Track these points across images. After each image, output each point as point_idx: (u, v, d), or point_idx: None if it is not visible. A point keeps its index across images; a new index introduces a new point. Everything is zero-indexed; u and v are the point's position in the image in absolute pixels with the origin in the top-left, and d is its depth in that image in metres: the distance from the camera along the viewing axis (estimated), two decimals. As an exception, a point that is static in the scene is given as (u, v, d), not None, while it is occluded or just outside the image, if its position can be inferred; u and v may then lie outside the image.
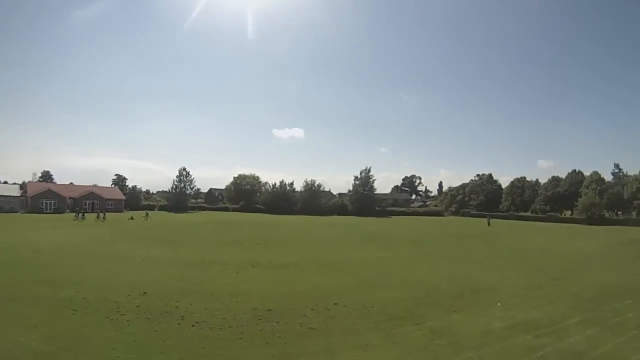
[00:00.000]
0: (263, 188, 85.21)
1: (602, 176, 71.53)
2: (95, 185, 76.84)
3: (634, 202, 62.64)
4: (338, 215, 77.61)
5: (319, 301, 18.55)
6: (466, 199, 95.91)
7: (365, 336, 14.64)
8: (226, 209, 77.94)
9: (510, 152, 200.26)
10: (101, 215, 50.33)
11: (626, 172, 70.88)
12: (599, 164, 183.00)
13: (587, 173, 75.68)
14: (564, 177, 79.01)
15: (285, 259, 28.38)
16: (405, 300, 19.98)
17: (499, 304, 20.15)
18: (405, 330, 15.76)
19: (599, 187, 67.61)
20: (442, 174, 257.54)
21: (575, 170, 79.58)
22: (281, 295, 19.47)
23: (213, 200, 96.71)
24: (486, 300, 20.85)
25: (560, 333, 16.17)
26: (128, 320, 14.17)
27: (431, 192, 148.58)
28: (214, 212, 74.44)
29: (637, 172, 67.01)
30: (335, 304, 18.24)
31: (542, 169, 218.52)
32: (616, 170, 73.63)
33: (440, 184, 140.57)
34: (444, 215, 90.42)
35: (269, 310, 16.67)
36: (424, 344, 14.44)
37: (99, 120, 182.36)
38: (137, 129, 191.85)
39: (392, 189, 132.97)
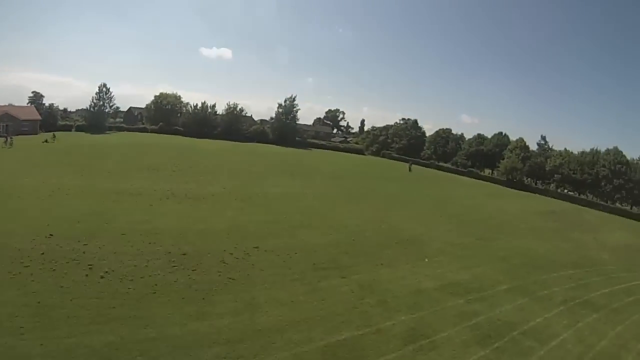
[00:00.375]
0: (184, 109, 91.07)
1: (527, 144, 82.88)
2: (11, 104, 77.04)
3: (555, 175, 75.06)
4: (258, 142, 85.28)
5: (238, 243, 19.13)
6: (389, 140, 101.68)
7: (290, 290, 15.34)
8: (144, 130, 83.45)
9: (437, 101, 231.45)
10: (9, 140, 50.18)
11: (551, 146, 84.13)
12: (520, 133, 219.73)
13: (512, 138, 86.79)
14: (489, 136, 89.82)
15: (203, 190, 29.58)
16: (330, 246, 20.94)
17: (426, 259, 21.99)
18: (332, 284, 16.43)
19: (522, 154, 78.51)
20: (365, 111, 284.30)
21: (501, 133, 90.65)
22: (197, 234, 19.77)
23: (132, 120, 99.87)
24: (413, 254, 22.52)
25: (491, 300, 18.17)
26: (32, 274, 13.83)
27: (352, 128, 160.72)
28: (132, 133, 79.88)
29: (562, 149, 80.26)
30: (256, 247, 18.89)
31: (465, 124, 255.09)
32: (542, 142, 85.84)
33: (363, 122, 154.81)
34: (364, 154, 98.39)
35: (184, 254, 16.96)
36: (353, 303, 15.13)
37: (11, 33, 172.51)
38: (54, 42, 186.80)
39: (315, 120, 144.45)
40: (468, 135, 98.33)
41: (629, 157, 71.77)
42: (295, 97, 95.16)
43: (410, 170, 70.22)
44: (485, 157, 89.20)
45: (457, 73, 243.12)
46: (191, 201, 26.27)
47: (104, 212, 21.52)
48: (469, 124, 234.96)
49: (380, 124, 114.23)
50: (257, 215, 25.02)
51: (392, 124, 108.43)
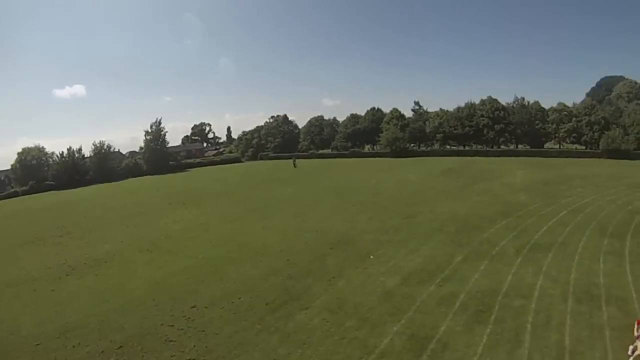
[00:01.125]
0: (50, 160, 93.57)
1: (402, 113, 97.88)
2: None
3: (436, 135, 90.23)
4: (133, 177, 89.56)
5: (170, 308, 17.94)
6: (263, 142, 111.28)
7: (262, 347, 14.33)
8: (16, 194, 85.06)
9: (296, 91, 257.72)
10: None
11: (426, 109, 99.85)
12: (388, 104, 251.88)
13: (385, 111, 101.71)
14: (348, 115, 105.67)
15: (100, 250, 29.10)
16: (270, 276, 20.49)
17: (371, 256, 22.68)
18: (300, 321, 15.76)
19: (400, 123, 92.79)
20: (227, 118, 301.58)
21: (374, 108, 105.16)
22: (120, 313, 18.09)
23: (0, 186, 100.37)
24: (355, 255, 23.04)
25: (458, 276, 19.53)
26: None
27: (220, 138, 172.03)
28: (2, 201, 78.80)
29: (437, 109, 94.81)
30: (194, 307, 17.95)
31: (327, 107, 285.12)
32: (416, 107, 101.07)
33: (229, 129, 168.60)
34: (242, 162, 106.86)
35: (120, 347, 15.25)
36: (336, 334, 14.67)
37: None
38: None
39: (183, 139, 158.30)
40: (341, 118, 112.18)
41: (503, 103, 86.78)
42: (160, 120, 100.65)
43: (295, 165, 75.00)
44: (364, 135, 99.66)
45: (311, 57, 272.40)
46: (93, 270, 25.24)
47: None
48: (331, 107, 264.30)
49: (248, 127, 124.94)
50: (173, 264, 24.23)
51: (263, 124, 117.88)
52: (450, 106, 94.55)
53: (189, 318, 16.83)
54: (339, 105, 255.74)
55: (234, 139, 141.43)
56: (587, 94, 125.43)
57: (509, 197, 37.49)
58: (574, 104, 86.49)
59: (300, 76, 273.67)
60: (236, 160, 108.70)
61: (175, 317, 16.97)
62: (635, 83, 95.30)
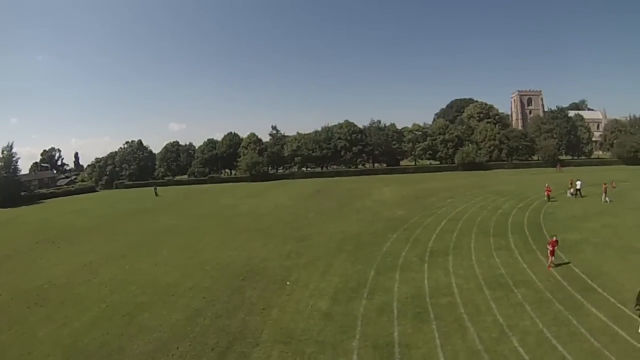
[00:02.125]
0: None
1: (259, 137, 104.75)
2: None
3: (295, 158, 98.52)
4: None
5: None
6: (117, 169, 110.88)
7: None
8: None
9: (141, 115, 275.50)
10: None
11: (284, 133, 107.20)
12: (232, 128, 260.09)
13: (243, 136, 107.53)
14: (199, 141, 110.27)
15: None
16: (194, 318, 19.25)
17: (288, 283, 23.54)
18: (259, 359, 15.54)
19: (258, 147, 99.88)
20: (74, 143, 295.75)
21: (231, 133, 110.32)
22: None
23: None
24: (271, 284, 23.59)
25: (380, 288, 21.91)
26: None
27: (67, 165, 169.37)
28: None
29: (294, 133, 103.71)
30: None
31: (173, 132, 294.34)
32: (274, 132, 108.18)
33: (77, 156, 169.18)
34: (97, 191, 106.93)
35: None
36: None
37: None
38: None
39: (32, 167, 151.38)
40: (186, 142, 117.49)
41: (360, 126, 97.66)
42: (12, 144, 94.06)
43: (156, 194, 75.50)
44: (222, 160, 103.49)
45: (157, 83, 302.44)
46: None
47: None
48: (177, 132, 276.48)
49: (95, 152, 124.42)
50: (76, 318, 20.60)
51: (117, 150, 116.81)
52: (307, 130, 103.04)
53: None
54: (185, 129, 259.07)
55: (82, 166, 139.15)
56: (437, 114, 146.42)
57: (387, 213, 42.24)
58: (424, 124, 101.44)
59: (145, 100, 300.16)
60: (91, 189, 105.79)
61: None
62: (485, 104, 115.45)
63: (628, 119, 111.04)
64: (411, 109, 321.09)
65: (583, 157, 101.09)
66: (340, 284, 22.62)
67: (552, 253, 22.84)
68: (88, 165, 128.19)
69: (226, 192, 71.39)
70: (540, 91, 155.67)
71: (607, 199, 41.57)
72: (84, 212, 61.05)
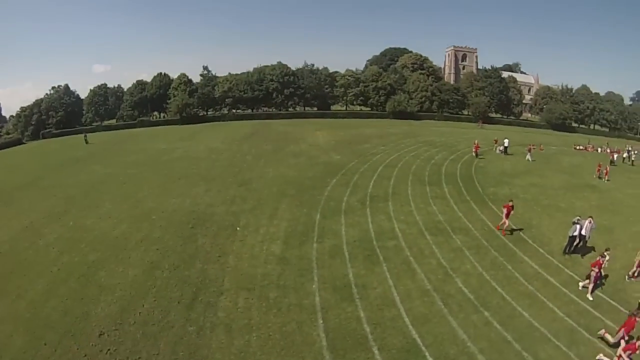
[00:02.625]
0: None
1: (190, 78, 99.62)
2: None
3: (226, 100, 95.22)
4: None
5: (71, 345, 13.84)
6: (43, 117, 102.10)
7: (212, 344, 13.57)
8: None
9: (63, 58, 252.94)
10: None
11: (215, 74, 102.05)
12: (162, 69, 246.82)
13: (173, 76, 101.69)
14: (134, 82, 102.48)
15: None
16: (152, 271, 18.53)
17: (238, 228, 23.40)
18: (226, 307, 15.61)
19: (188, 88, 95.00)
20: None
21: (161, 73, 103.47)
22: None
23: None
24: (222, 230, 23.35)
25: (329, 232, 22.80)
26: None
27: None
28: None
29: (226, 74, 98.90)
30: (101, 334, 14.31)
31: (98, 74, 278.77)
32: (205, 72, 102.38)
33: None
34: (24, 143, 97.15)
35: None
36: (273, 307, 15.50)
37: None
38: None
39: None
40: (95, 83, 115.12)
41: (293, 69, 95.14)
42: None
43: (87, 142, 69.58)
44: (151, 102, 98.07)
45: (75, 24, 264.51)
46: None
47: None
48: (102, 74, 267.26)
49: (18, 102, 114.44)
50: (29, 288, 17.97)
51: (43, 97, 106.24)
52: (241, 71, 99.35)
53: (107, 350, 13.65)
54: (110, 71, 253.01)
55: (4, 117, 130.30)
56: (369, 61, 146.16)
57: (324, 158, 42.96)
58: (356, 69, 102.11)
59: (65, 41, 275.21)
60: (18, 142, 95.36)
61: (91, 357, 13.56)
62: (420, 56, 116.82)
63: (560, 87, 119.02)
64: (345, 54, 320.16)
65: (512, 117, 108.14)
66: (289, 228, 23.23)
67: (507, 216, 22.64)
68: (12, 116, 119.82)
69: (158, 136, 68.10)
70: (476, 49, 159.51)
71: (529, 158, 45.12)
72: (14, 167, 54.45)
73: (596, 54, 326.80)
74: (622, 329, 13.26)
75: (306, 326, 14.25)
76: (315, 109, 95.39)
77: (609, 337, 13.53)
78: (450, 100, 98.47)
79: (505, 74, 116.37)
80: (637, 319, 13.25)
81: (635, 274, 18.15)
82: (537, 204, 28.70)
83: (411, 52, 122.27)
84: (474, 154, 45.79)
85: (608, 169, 39.96)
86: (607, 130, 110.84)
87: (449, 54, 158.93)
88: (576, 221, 20.34)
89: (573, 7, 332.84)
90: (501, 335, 13.98)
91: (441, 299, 15.90)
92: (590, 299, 16.25)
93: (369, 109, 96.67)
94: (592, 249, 20.84)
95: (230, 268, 18.54)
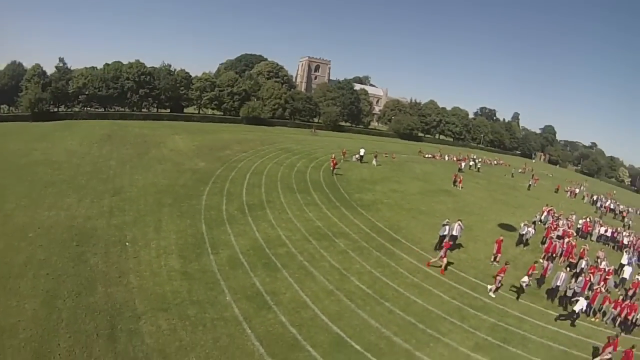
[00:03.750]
0: None
1: (44, 69, 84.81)
2: None
3: (79, 96, 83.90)
4: None
5: None
6: None
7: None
8: None
9: None
10: None
11: (70, 67, 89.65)
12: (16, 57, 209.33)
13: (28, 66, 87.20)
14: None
15: None
16: (54, 331, 16.30)
17: (127, 243, 21.81)
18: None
19: (42, 81, 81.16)
20: None
21: (15, 62, 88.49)
22: None
23: None
24: (110, 246, 21.43)
25: (219, 242, 23.41)
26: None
27: None
28: None
29: (82, 68, 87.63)
30: None
31: None
32: (61, 65, 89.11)
33: None
34: None
35: None
36: (189, 341, 14.80)
37: None
38: None
39: None
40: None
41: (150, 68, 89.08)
42: None
43: None
44: (2, 94, 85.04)
45: None
46: None
47: None
48: None
49: None
50: None
51: None
52: (98, 65, 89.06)
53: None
54: None
55: None
56: (222, 64, 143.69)
57: (190, 164, 41.43)
58: (209, 72, 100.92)
59: None
60: None
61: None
62: (276, 64, 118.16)
63: (408, 101, 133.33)
64: (201, 56, 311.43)
65: (361, 127, 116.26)
66: (180, 241, 22.55)
67: (444, 256, 22.21)
68: None
69: (10, 134, 57.46)
70: (330, 61, 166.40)
71: (375, 163, 50.43)
72: None
73: (446, 72, 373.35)
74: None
75: (238, 338, 14.54)
76: (169, 110, 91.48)
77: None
78: (303, 109, 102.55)
79: (357, 86, 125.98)
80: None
81: (497, 259, 24.35)
82: (401, 208, 32.88)
83: (266, 59, 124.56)
84: (331, 168, 44.99)
85: (462, 178, 46.76)
86: (451, 140, 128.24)
87: (302, 64, 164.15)
88: (446, 223, 24.77)
89: (423, 30, 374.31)
90: (405, 319, 16.83)
91: (346, 296, 17.88)
92: (493, 296, 20.48)
93: (221, 113, 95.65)
94: (460, 245, 26.05)
95: (136, 289, 17.34)
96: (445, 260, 22.02)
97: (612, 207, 58.79)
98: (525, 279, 20.64)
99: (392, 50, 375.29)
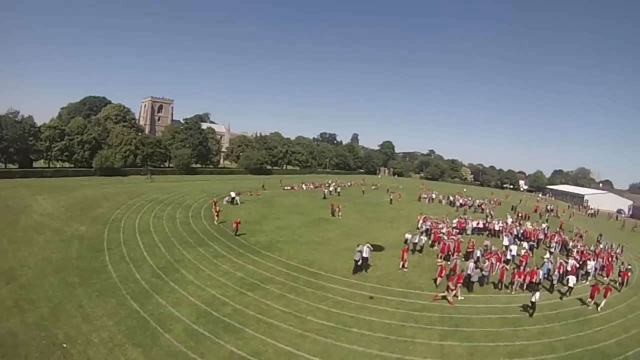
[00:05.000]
0: None
1: None
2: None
3: None
4: None
5: None
6: None
7: None
8: None
9: None
10: None
11: None
12: None
13: None
14: None
15: None
16: None
17: (64, 345, 18.46)
18: None
19: None
20: None
21: None
22: None
23: None
24: (54, 354, 18.13)
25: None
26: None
27: None
28: None
29: None
30: None
31: None
32: None
33: None
34: None
35: None
36: None
37: None
38: None
39: None
40: None
41: None
42: None
43: None
44: None
45: None
46: None
47: None
48: None
49: None
50: None
51: None
52: None
53: None
54: None
55: None
56: (63, 109, 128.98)
57: (71, 230, 37.02)
58: (54, 118, 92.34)
59: None
60: None
61: None
62: (123, 107, 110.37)
63: (252, 135, 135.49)
64: (41, 100, 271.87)
65: (211, 167, 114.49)
66: (121, 326, 19.96)
67: (449, 289, 25.85)
68: None
69: None
70: (172, 100, 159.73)
71: (238, 200, 53.84)
72: None
73: (285, 100, 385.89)
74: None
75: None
76: (17, 165, 77.21)
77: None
78: (154, 153, 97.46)
79: (204, 125, 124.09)
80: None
81: (405, 266, 30.42)
82: (298, 243, 35.37)
83: (110, 101, 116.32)
84: (215, 220, 44.57)
85: (340, 206, 50.55)
86: (298, 168, 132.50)
87: (145, 105, 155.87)
88: (359, 249, 28.76)
89: (255, 60, 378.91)
90: (378, 336, 20.56)
91: (317, 334, 20.25)
92: (461, 298, 25.74)
93: (72, 165, 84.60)
94: (369, 265, 30.15)
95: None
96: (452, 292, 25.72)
97: (469, 203, 70.72)
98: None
99: (230, 84, 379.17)
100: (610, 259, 38.62)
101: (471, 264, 28.64)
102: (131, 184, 72.85)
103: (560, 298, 28.48)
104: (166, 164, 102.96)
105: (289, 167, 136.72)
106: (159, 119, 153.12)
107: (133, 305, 22.40)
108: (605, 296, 27.00)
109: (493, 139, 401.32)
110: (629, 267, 35.41)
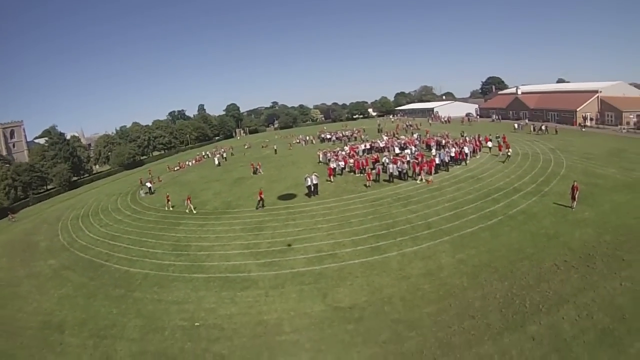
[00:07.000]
0: None
1: None
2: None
3: None
4: None
5: None
6: None
7: None
8: None
9: None
10: None
11: None
12: None
13: None
14: None
15: None
16: None
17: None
18: None
19: None
20: None
21: None
22: None
23: None
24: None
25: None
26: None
27: None
28: None
29: None
30: None
31: None
32: None
33: None
34: None
35: None
36: None
37: None
38: None
39: None
40: None
41: None
42: None
43: None
44: None
45: None
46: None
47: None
48: None
49: None
50: None
51: None
52: None
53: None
54: None
55: None
56: None
57: None
58: None
59: None
60: None
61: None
62: None
63: (114, 132, 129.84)
64: None
65: (87, 175, 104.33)
66: None
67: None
68: None
69: None
70: (22, 121, 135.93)
71: (150, 188, 55.35)
72: None
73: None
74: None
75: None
76: None
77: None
78: (32, 181, 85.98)
79: (68, 136, 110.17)
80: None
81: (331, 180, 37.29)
82: (250, 193, 41.54)
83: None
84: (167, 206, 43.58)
85: (260, 164, 57.29)
86: (164, 152, 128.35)
87: None
88: (306, 177, 37.81)
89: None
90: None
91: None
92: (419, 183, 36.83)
93: None
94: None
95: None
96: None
97: (338, 136, 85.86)
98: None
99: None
100: (478, 144, 52.28)
101: (391, 165, 40.51)
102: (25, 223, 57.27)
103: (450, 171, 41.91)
104: (45, 187, 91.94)
105: (155, 152, 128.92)
106: (13, 145, 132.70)
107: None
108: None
109: (326, 79, 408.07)
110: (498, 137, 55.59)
